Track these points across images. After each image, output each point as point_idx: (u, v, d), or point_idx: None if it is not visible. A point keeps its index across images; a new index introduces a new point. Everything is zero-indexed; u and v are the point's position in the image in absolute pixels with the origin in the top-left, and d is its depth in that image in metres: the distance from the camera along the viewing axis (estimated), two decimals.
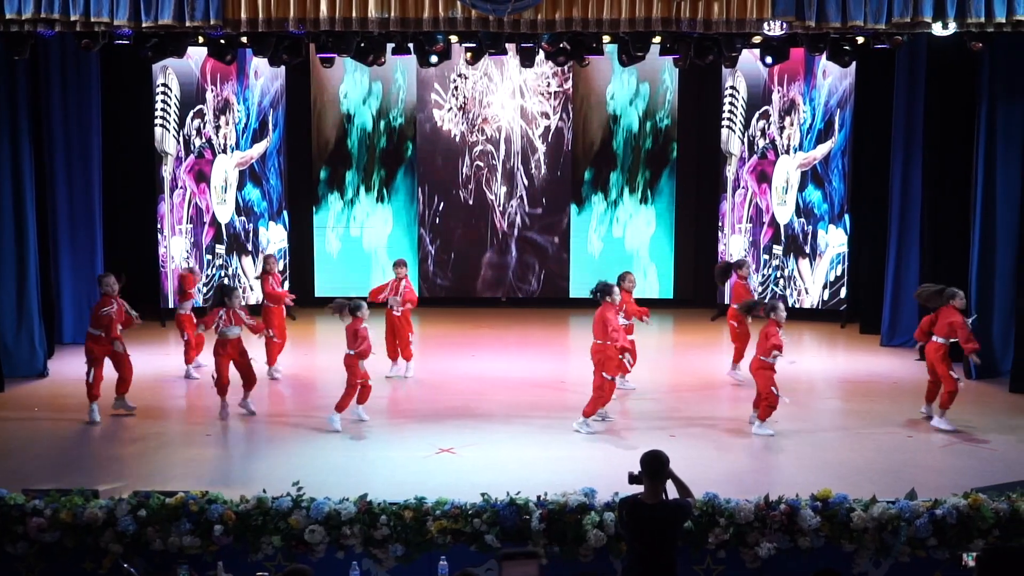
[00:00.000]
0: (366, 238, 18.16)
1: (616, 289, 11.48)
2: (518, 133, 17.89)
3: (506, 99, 17.81)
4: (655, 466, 6.78)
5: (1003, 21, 10.51)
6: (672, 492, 6.92)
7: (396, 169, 18.06)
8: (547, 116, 17.83)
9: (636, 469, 6.89)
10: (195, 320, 13.31)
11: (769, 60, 14.58)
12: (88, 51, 12.58)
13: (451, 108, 17.84)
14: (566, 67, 17.10)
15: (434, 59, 14.01)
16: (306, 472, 9.35)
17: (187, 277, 13.87)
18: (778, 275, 17.16)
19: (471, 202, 18.06)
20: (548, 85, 17.76)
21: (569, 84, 17.71)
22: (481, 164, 17.99)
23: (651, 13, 10.59)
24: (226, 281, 16.76)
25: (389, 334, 13.39)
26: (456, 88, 17.79)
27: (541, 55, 14.84)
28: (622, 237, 18.10)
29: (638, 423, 11.46)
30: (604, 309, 11.23)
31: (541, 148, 17.92)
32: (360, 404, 11.44)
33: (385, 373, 13.23)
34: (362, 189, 18.05)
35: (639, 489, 6.90)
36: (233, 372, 11.72)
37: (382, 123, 17.95)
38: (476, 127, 17.84)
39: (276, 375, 13.36)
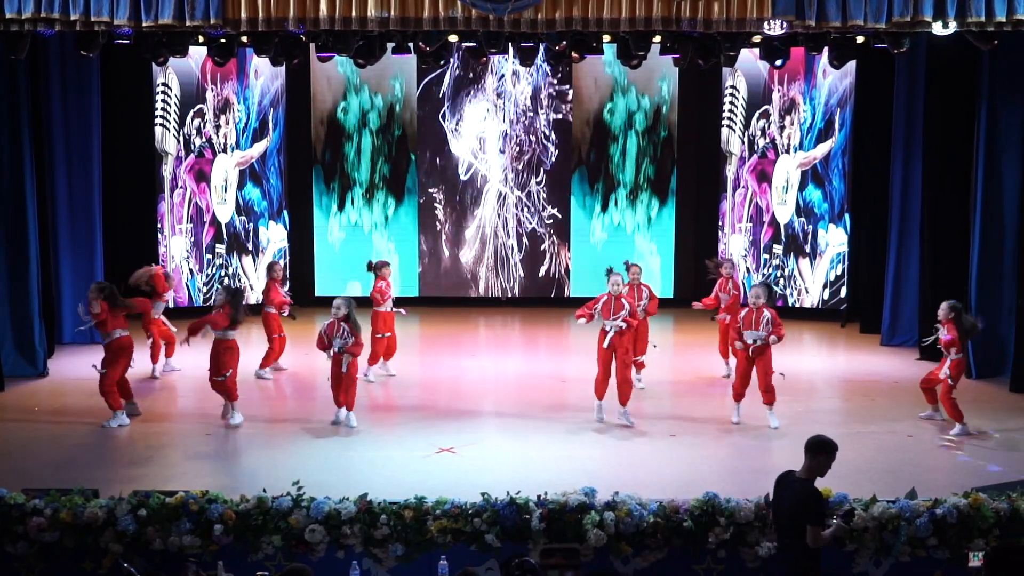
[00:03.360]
0: (366, 237, 18.15)
1: (612, 278, 11.49)
2: (518, 133, 17.88)
3: (505, 98, 17.82)
4: (813, 443, 6.92)
5: (1003, 20, 10.50)
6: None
7: (395, 170, 18.06)
8: (547, 117, 17.84)
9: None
10: (166, 323, 13.39)
11: (779, 62, 14.46)
12: (87, 58, 12.60)
13: (450, 109, 17.85)
14: (564, 67, 17.18)
15: (437, 60, 13.98)
16: (306, 472, 9.35)
17: (160, 279, 13.52)
18: (778, 274, 17.16)
19: (471, 202, 18.06)
20: (549, 86, 17.78)
21: (570, 84, 17.72)
22: (481, 164, 17.99)
23: (651, 12, 10.58)
24: (226, 281, 16.80)
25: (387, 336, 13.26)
26: (455, 90, 17.80)
27: (541, 54, 14.82)
28: (622, 237, 18.09)
29: (638, 422, 11.44)
30: None
31: (542, 148, 17.92)
32: (349, 410, 11.39)
33: (368, 376, 13.09)
34: (362, 189, 18.05)
35: None
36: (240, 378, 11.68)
37: (381, 129, 17.93)
38: (475, 127, 17.86)
39: (266, 376, 13.30)
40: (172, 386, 13.13)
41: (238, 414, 11.44)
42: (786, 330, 11.62)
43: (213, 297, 11.44)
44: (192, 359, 13.67)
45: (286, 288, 14.30)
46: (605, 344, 11.32)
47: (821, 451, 6.87)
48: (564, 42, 13.29)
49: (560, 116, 17.85)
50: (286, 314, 13.55)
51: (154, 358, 13.36)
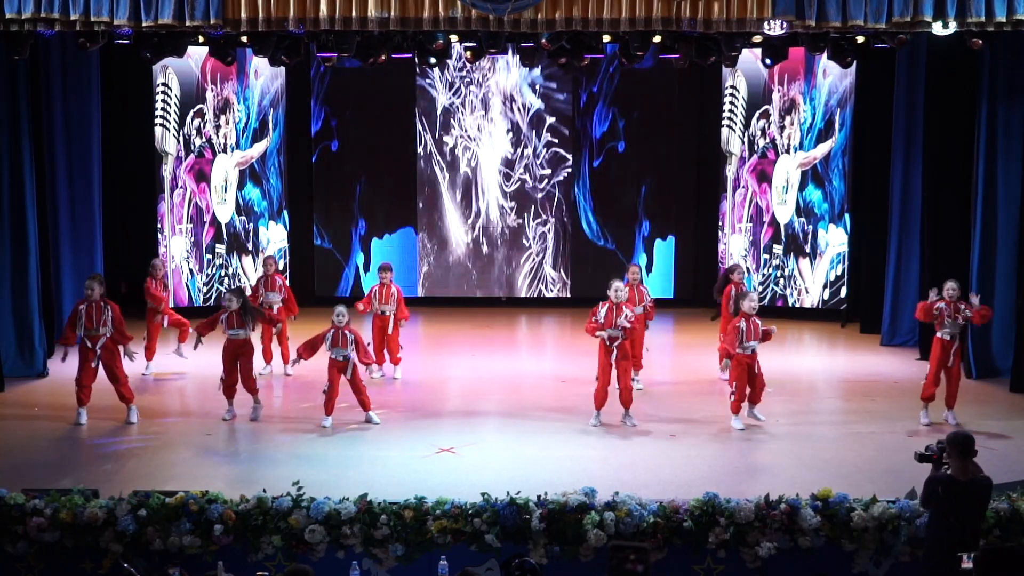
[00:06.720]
0: (367, 238, 18.15)
1: (614, 285, 11.49)
2: (517, 132, 17.88)
3: (504, 96, 17.81)
4: (967, 445, 7.10)
5: (1003, 20, 10.51)
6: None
7: (395, 171, 18.05)
8: (547, 117, 17.84)
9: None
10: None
11: (768, 61, 14.55)
12: (85, 50, 12.57)
13: (449, 109, 17.84)
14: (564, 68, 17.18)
15: (432, 60, 13.99)
16: (306, 472, 9.35)
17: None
18: (778, 275, 17.16)
19: (472, 203, 18.05)
20: (550, 86, 17.78)
21: (570, 85, 17.72)
22: (482, 165, 17.98)
23: (651, 13, 10.59)
24: (227, 282, 16.80)
25: (379, 339, 13.20)
26: (455, 91, 17.80)
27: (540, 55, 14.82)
28: (622, 237, 18.08)
29: (638, 422, 11.44)
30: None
31: (542, 148, 17.91)
32: (367, 410, 11.42)
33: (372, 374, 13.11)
34: (361, 189, 18.04)
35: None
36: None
37: (381, 130, 17.92)
38: (474, 126, 17.85)
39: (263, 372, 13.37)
40: (172, 387, 13.12)
41: (258, 409, 11.57)
42: (781, 332, 11.65)
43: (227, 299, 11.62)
44: (190, 359, 13.66)
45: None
46: (613, 355, 11.30)
47: (971, 447, 7.13)
48: (554, 47, 13.26)
49: (561, 116, 17.83)
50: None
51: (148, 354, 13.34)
